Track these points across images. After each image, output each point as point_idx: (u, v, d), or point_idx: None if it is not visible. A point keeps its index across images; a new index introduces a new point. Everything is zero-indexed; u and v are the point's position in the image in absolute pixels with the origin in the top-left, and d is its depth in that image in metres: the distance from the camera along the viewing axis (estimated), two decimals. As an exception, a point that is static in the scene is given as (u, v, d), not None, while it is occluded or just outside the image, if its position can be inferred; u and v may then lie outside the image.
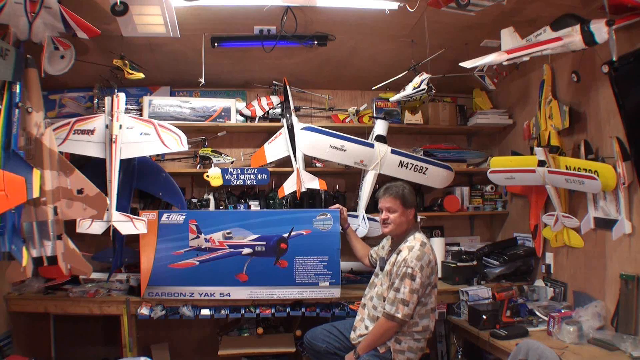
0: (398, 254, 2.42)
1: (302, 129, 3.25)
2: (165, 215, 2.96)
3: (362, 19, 2.67)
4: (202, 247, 2.93)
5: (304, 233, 2.95)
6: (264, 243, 2.93)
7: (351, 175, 3.66)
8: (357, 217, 3.32)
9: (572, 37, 2.27)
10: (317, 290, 2.92)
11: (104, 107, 2.87)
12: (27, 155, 2.43)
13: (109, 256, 3.11)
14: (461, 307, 3.09)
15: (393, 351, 2.36)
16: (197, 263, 2.92)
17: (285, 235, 2.94)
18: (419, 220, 2.71)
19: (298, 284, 2.92)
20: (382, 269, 2.55)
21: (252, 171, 3.35)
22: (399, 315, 2.29)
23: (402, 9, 2.47)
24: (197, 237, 2.93)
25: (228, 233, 2.94)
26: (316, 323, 3.39)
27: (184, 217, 2.95)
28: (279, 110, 3.54)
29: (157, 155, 3.31)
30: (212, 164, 3.37)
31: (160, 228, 2.94)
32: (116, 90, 2.90)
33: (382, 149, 3.30)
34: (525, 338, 2.50)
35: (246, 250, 2.93)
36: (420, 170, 3.39)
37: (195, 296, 2.93)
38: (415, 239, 2.44)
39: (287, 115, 3.38)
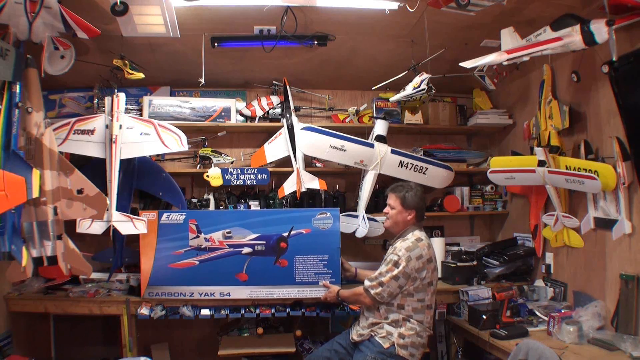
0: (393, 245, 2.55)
1: (302, 129, 3.25)
2: (165, 215, 2.96)
3: (362, 19, 2.66)
4: (202, 246, 2.93)
5: (304, 232, 2.93)
6: (264, 242, 2.93)
7: (351, 175, 3.66)
8: (357, 217, 3.32)
9: (572, 37, 2.27)
10: (318, 289, 2.89)
11: (104, 107, 2.87)
12: (27, 155, 2.42)
13: (109, 256, 3.11)
14: (461, 307, 3.10)
15: (397, 346, 2.39)
16: (197, 263, 2.92)
17: (285, 234, 2.93)
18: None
19: (298, 283, 2.91)
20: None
21: (252, 171, 3.35)
22: (372, 292, 2.45)
23: (402, 9, 2.47)
24: (197, 236, 2.94)
25: (228, 232, 2.94)
26: (316, 323, 3.40)
27: (184, 216, 2.95)
28: (279, 110, 3.54)
29: (157, 155, 3.30)
30: (212, 164, 3.37)
31: (160, 228, 2.94)
32: (116, 90, 2.90)
33: (382, 149, 3.30)
34: (525, 338, 2.50)
35: (246, 250, 2.93)
36: (420, 170, 3.39)
37: (195, 296, 2.92)
38: (413, 235, 2.52)
39: (287, 115, 3.38)
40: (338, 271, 2.92)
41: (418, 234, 2.54)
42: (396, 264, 2.41)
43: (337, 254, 2.91)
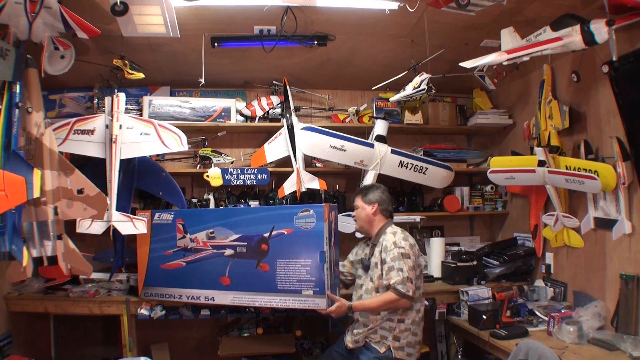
0: (383, 244, 2.52)
1: (302, 129, 3.25)
2: (157, 215, 2.93)
3: (362, 19, 2.66)
4: (188, 247, 2.82)
5: (285, 232, 2.56)
6: (245, 244, 2.67)
7: (351, 175, 3.66)
8: (357, 217, 3.32)
9: (572, 37, 2.27)
10: (301, 299, 2.49)
11: (104, 107, 2.86)
12: (27, 155, 2.42)
13: (110, 256, 3.10)
14: (461, 307, 3.10)
15: (393, 349, 2.39)
16: (184, 264, 2.82)
17: (266, 235, 2.61)
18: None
19: (280, 291, 2.55)
20: (367, 268, 2.58)
21: (252, 171, 3.35)
22: (410, 294, 2.38)
23: (402, 9, 2.46)
24: (184, 237, 2.84)
25: (211, 233, 2.76)
26: (316, 323, 3.40)
27: (172, 216, 2.89)
28: (279, 110, 3.54)
29: (157, 155, 3.30)
30: (212, 164, 3.37)
31: (153, 228, 2.91)
32: (116, 90, 2.89)
33: (382, 149, 3.30)
34: (525, 338, 2.50)
35: (228, 252, 2.71)
36: (420, 170, 3.39)
37: (183, 299, 2.82)
38: (393, 228, 2.59)
39: (287, 115, 3.38)
40: (322, 280, 2.44)
41: (397, 228, 2.61)
42: (407, 256, 2.43)
43: (322, 259, 2.44)
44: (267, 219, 2.64)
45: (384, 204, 2.64)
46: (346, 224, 3.29)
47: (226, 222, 2.74)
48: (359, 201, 2.68)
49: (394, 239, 2.48)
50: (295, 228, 2.54)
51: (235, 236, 2.70)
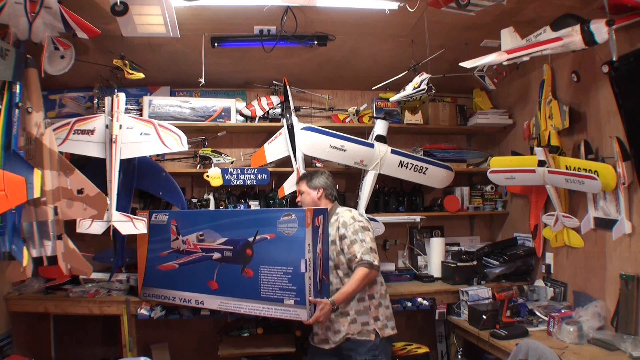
0: (337, 222, 2.51)
1: (302, 129, 3.25)
2: (154, 216, 2.92)
3: (362, 19, 2.66)
4: (181, 249, 2.76)
5: (268, 237, 2.41)
6: (231, 248, 2.55)
7: (351, 175, 3.66)
8: (357, 217, 3.31)
9: (572, 37, 2.27)
10: (283, 308, 2.33)
11: (104, 107, 2.87)
12: (27, 155, 2.42)
13: (110, 256, 3.11)
14: (461, 307, 3.10)
15: (379, 331, 2.41)
16: (177, 266, 2.78)
17: (251, 239, 2.46)
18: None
19: (263, 298, 2.40)
20: None
21: (252, 171, 3.35)
22: (377, 263, 2.40)
23: (402, 9, 2.47)
24: (177, 238, 2.80)
25: (201, 235, 2.69)
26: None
27: (167, 217, 2.87)
28: (279, 110, 3.54)
29: (157, 155, 3.31)
30: (212, 164, 3.37)
31: (151, 228, 2.90)
32: (116, 90, 2.89)
33: (382, 149, 3.30)
34: (525, 338, 2.50)
35: (216, 255, 2.62)
36: (420, 170, 3.39)
37: (176, 301, 2.79)
38: (346, 208, 2.64)
39: (287, 115, 3.38)
40: (303, 290, 2.26)
41: (345, 208, 2.64)
42: (367, 229, 2.47)
43: (303, 268, 2.26)
44: (253, 223, 2.50)
45: (328, 189, 2.67)
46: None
47: (215, 224, 2.66)
48: (303, 186, 2.67)
49: (351, 214, 2.52)
50: (277, 233, 2.37)
51: (222, 239, 2.61)
